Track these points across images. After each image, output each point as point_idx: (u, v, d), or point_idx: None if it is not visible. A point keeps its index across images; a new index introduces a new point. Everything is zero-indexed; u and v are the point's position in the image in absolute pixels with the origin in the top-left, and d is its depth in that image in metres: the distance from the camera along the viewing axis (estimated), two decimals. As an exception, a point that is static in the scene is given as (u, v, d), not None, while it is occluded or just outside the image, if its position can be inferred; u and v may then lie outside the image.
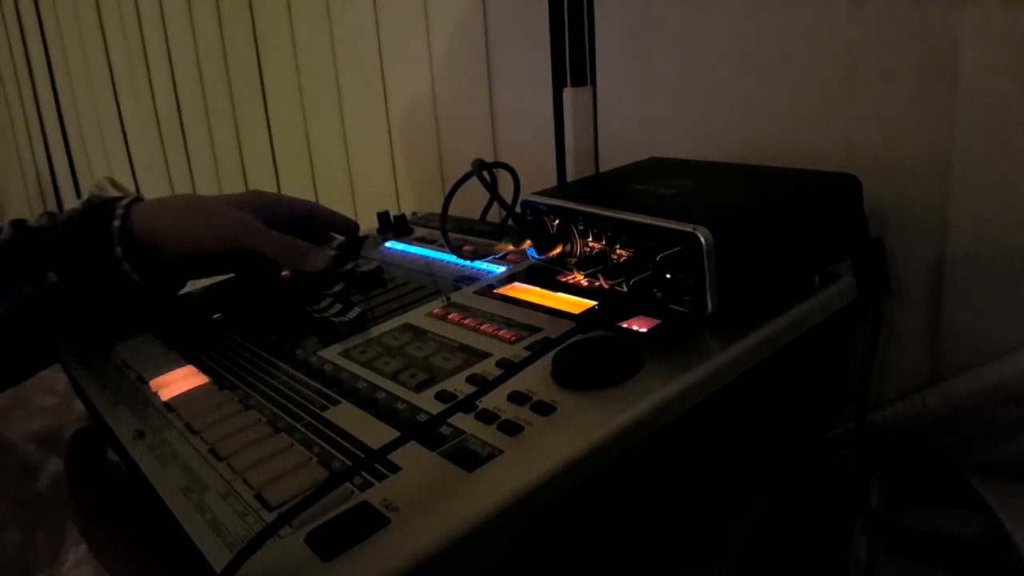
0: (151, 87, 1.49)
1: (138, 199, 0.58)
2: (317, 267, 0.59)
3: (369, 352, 0.47)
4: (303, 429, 0.39)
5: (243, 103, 1.27)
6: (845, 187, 0.49)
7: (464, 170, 0.50)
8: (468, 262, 0.60)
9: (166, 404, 0.45)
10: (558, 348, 0.39)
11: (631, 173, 0.58)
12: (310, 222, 0.67)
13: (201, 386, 0.46)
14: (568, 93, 0.74)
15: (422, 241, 0.69)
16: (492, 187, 0.50)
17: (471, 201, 0.55)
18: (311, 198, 1.18)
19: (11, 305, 0.52)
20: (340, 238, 0.71)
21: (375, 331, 0.50)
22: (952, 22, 0.49)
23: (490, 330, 0.47)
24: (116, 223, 0.55)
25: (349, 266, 0.61)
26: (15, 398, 0.67)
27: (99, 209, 0.56)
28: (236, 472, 0.36)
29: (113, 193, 1.69)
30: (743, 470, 0.49)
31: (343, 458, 0.36)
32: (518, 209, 0.53)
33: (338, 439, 0.38)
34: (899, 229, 0.55)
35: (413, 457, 0.35)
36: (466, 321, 0.49)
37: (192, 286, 0.66)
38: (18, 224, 0.56)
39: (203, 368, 0.49)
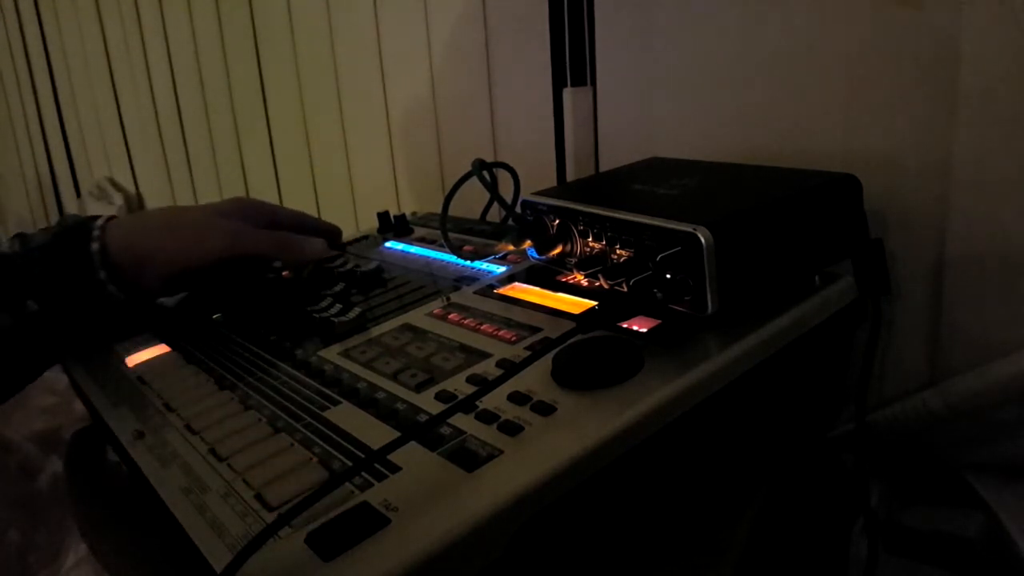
0: (151, 87, 1.49)
1: (113, 217, 0.56)
2: (315, 253, 0.59)
3: (369, 352, 0.47)
4: (303, 429, 0.39)
5: (243, 103, 1.27)
6: (845, 187, 0.49)
7: (464, 170, 0.50)
8: (468, 262, 0.60)
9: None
10: (558, 348, 0.39)
11: (631, 173, 0.58)
12: (295, 229, 0.66)
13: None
14: (568, 93, 0.74)
15: (422, 241, 0.69)
16: (492, 187, 0.50)
17: (471, 201, 0.55)
18: (311, 198, 1.18)
19: None
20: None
21: (375, 331, 0.50)
22: (952, 22, 0.49)
23: (490, 330, 0.47)
24: (95, 245, 0.53)
25: (349, 266, 0.61)
26: (15, 398, 0.67)
27: (74, 231, 0.54)
28: (236, 472, 0.36)
29: (113, 193, 1.69)
30: (743, 470, 0.49)
31: (343, 458, 0.36)
32: (518, 209, 0.53)
33: (338, 439, 0.38)
34: (899, 229, 0.55)
35: (413, 457, 0.35)
36: (466, 321, 0.49)
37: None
38: None
39: (204, 368, 0.49)
